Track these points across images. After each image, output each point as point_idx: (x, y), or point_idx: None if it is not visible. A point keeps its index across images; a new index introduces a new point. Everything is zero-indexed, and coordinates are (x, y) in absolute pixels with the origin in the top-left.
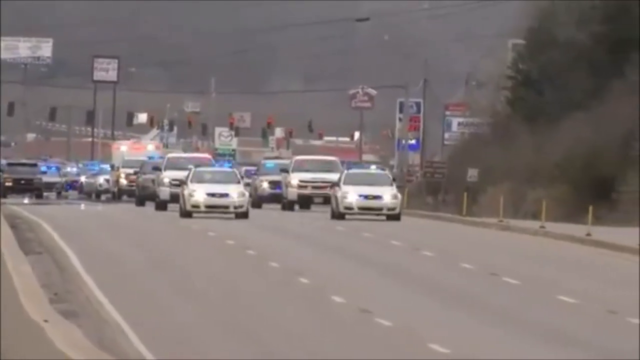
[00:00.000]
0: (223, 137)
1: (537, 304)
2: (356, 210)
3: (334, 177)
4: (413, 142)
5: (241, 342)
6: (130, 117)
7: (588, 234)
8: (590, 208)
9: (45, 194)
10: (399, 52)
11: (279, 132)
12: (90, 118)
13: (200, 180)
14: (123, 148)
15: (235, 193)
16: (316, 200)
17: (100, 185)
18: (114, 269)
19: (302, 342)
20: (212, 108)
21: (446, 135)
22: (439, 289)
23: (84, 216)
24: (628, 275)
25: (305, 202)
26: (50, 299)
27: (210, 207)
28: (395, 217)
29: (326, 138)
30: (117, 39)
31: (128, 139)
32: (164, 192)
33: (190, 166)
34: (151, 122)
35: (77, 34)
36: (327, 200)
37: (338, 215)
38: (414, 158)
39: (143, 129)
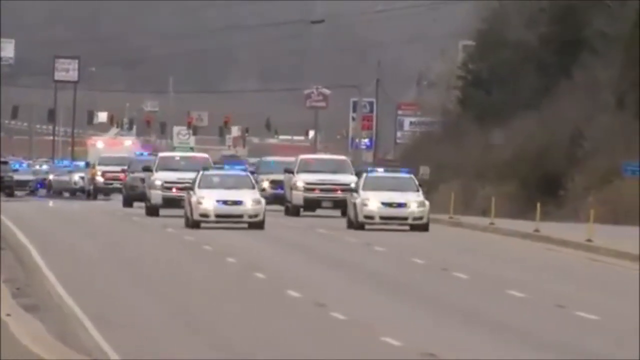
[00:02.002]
0: (181, 136)
1: (486, 298)
2: (377, 219)
3: (344, 178)
4: (366, 140)
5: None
6: (91, 115)
7: (536, 230)
8: (539, 205)
9: (18, 192)
10: (353, 53)
11: (235, 130)
12: (51, 117)
13: (209, 185)
14: (99, 144)
15: (250, 200)
16: (325, 204)
17: (76, 182)
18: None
19: None
20: (170, 107)
21: (398, 134)
22: (393, 284)
23: (60, 219)
24: (575, 269)
25: (312, 206)
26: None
27: (221, 217)
28: (423, 228)
29: (281, 136)
30: (78, 39)
31: (90, 138)
32: (156, 196)
33: (190, 172)
34: (111, 121)
35: (38, 35)
36: (336, 204)
37: (357, 225)
38: (367, 157)
39: (103, 128)
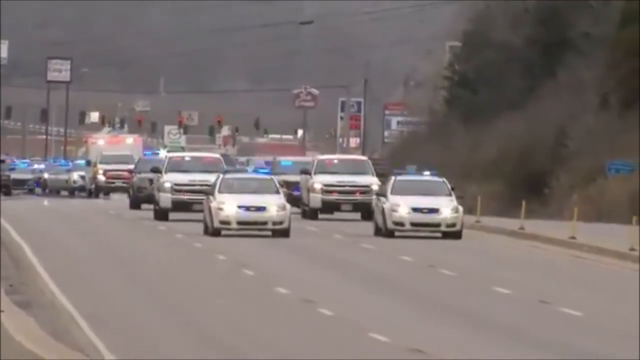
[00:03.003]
0: (172, 135)
1: (472, 294)
2: (408, 226)
3: (364, 180)
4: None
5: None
6: (83, 115)
7: (521, 228)
8: (524, 203)
9: (16, 191)
10: (341, 53)
11: (225, 130)
12: (44, 116)
13: (230, 189)
14: (100, 142)
15: (275, 206)
16: (344, 207)
17: (75, 181)
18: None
19: None
20: (161, 107)
21: (386, 133)
22: (383, 280)
23: (58, 219)
24: (559, 266)
25: (330, 209)
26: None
27: (244, 224)
28: (456, 235)
29: (271, 136)
30: (70, 41)
31: (90, 136)
32: (165, 199)
33: (201, 174)
34: (103, 121)
35: (31, 36)
36: (356, 207)
37: (386, 233)
38: (355, 154)
39: (95, 127)
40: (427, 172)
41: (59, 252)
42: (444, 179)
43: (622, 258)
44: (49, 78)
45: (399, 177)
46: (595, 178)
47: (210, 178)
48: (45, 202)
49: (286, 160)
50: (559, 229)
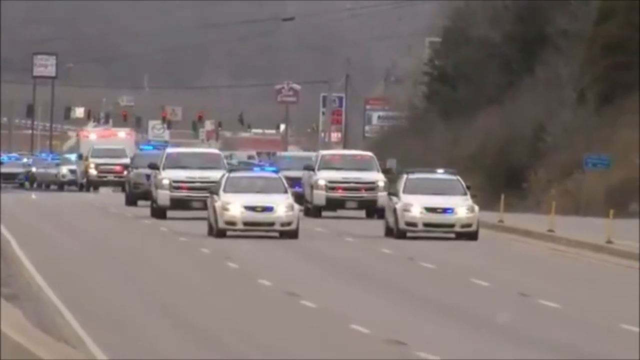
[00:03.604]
0: (156, 130)
1: (452, 287)
2: (421, 227)
3: (369, 176)
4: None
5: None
6: (68, 110)
7: (500, 221)
8: (502, 196)
9: (5, 185)
10: (322, 49)
11: (208, 124)
12: (30, 111)
13: (236, 189)
14: (92, 136)
15: (283, 206)
16: (349, 205)
17: (64, 176)
18: None
19: None
20: (145, 102)
21: (367, 128)
22: (359, 272)
23: (48, 214)
24: (538, 259)
25: (334, 207)
26: None
27: (250, 225)
28: (472, 236)
29: (253, 130)
30: (56, 37)
31: (82, 129)
32: (163, 197)
33: (200, 170)
34: (88, 116)
35: (17, 33)
36: (361, 205)
37: (398, 234)
38: (337, 149)
39: (80, 122)
40: (440, 170)
41: (47, 248)
42: (459, 177)
43: (599, 251)
44: (34, 73)
45: (412, 175)
46: (573, 172)
47: (210, 174)
48: (33, 195)
49: (287, 155)
50: (538, 222)
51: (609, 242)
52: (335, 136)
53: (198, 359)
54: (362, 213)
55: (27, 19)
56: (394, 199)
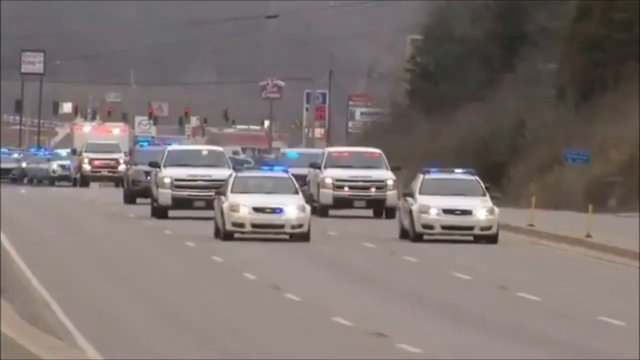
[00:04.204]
0: (142, 126)
1: (434, 281)
2: (438, 229)
3: (378, 174)
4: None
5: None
6: (56, 106)
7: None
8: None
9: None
10: (306, 46)
11: (194, 120)
12: (18, 107)
13: (244, 189)
14: (86, 130)
15: (293, 207)
16: (357, 204)
17: (54, 171)
18: None
19: None
20: (132, 98)
21: (350, 124)
22: (345, 268)
23: (36, 209)
24: (517, 253)
25: (342, 206)
26: None
27: (259, 227)
28: (491, 239)
29: (238, 126)
30: (44, 34)
31: (75, 124)
32: (165, 196)
33: (203, 169)
34: (75, 111)
35: (5, 30)
36: (369, 204)
37: (414, 237)
38: (320, 144)
39: (68, 118)
40: (458, 170)
41: (37, 243)
42: (477, 177)
43: (578, 245)
44: (23, 70)
45: (428, 175)
46: (552, 167)
47: (212, 172)
48: (23, 190)
49: (292, 152)
50: (518, 216)
51: (588, 236)
52: (318, 132)
53: None
54: (369, 212)
55: (14, 16)
56: (410, 200)
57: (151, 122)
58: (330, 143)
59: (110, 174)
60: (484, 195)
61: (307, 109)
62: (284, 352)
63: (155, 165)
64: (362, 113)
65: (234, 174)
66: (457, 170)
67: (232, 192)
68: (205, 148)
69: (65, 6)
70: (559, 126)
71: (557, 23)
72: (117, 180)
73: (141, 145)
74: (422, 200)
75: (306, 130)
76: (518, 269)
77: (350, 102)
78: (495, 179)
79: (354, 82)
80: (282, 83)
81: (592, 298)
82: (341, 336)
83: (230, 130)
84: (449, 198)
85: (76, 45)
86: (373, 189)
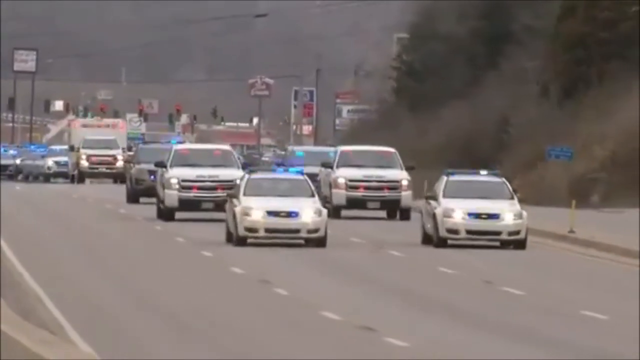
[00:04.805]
0: (133, 123)
1: (420, 275)
2: (463, 234)
3: (392, 174)
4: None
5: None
6: (48, 104)
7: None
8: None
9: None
10: (294, 45)
11: (184, 118)
12: (11, 105)
13: (257, 192)
14: (83, 126)
15: (309, 211)
16: (371, 205)
17: (49, 167)
18: None
19: None
20: (122, 96)
21: (337, 121)
22: (333, 263)
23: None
24: (502, 248)
25: (355, 207)
26: None
27: (273, 232)
28: (520, 244)
29: (227, 123)
30: (36, 33)
31: (73, 120)
32: (171, 197)
33: (211, 169)
34: (67, 109)
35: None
36: (384, 205)
37: (437, 241)
38: (308, 141)
39: (59, 115)
40: (484, 171)
41: (33, 240)
42: (504, 179)
43: (562, 240)
44: (15, 68)
45: (452, 177)
46: (536, 164)
47: (220, 173)
48: (17, 187)
49: (301, 150)
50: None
51: (571, 231)
52: (306, 129)
53: None
54: (381, 213)
55: (6, 15)
56: (433, 203)
57: (141, 119)
58: (317, 140)
59: (108, 171)
60: (512, 198)
61: (295, 107)
62: (276, 346)
63: (161, 165)
64: (349, 110)
65: (246, 176)
66: (482, 172)
67: (244, 195)
68: (213, 147)
69: (58, 5)
70: (542, 123)
71: (541, 21)
72: (115, 177)
73: (144, 143)
74: (446, 203)
75: (294, 127)
76: (502, 264)
77: (338, 100)
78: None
79: (341, 80)
80: (270, 81)
81: (575, 293)
82: (330, 330)
83: (219, 128)
84: (475, 201)
85: (68, 43)
86: (387, 190)
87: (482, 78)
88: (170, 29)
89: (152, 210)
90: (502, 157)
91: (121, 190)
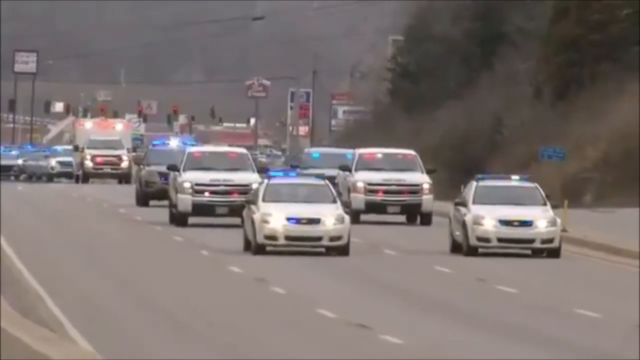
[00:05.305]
0: (132, 123)
1: (415, 274)
2: (495, 242)
3: (413, 178)
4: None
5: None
6: (48, 105)
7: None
8: (462, 187)
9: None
10: (291, 47)
11: (182, 118)
12: (12, 106)
13: (276, 197)
14: (88, 126)
15: (331, 218)
16: (391, 209)
17: (52, 168)
18: None
19: None
20: (122, 97)
21: (333, 122)
22: (327, 262)
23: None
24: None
25: (374, 211)
26: None
27: (293, 239)
28: (554, 253)
29: (225, 124)
30: (36, 34)
31: (78, 120)
32: (184, 202)
33: (226, 172)
34: (67, 110)
35: (0, 30)
36: (404, 209)
37: (467, 250)
38: (304, 142)
39: (59, 116)
40: (515, 176)
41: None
42: (537, 185)
43: None
44: (16, 70)
45: (482, 183)
46: (530, 164)
47: (235, 177)
48: (20, 187)
49: (316, 152)
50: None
51: (564, 230)
52: (303, 130)
53: None
54: (398, 218)
55: (8, 16)
56: (462, 209)
57: (141, 119)
58: (313, 140)
59: (113, 171)
60: (545, 204)
61: (291, 108)
62: (273, 344)
63: (174, 168)
64: (344, 111)
65: (265, 182)
66: (513, 177)
67: (263, 201)
68: (228, 150)
69: (58, 7)
70: (535, 124)
71: (534, 24)
72: (120, 177)
73: (154, 145)
74: (476, 210)
75: (290, 128)
76: (495, 262)
77: (334, 101)
78: (474, 175)
79: (337, 82)
80: (267, 82)
81: (568, 291)
82: (325, 327)
83: (217, 128)
84: (506, 208)
85: (68, 45)
86: (407, 194)
87: (476, 80)
88: (169, 31)
89: (157, 213)
90: (496, 157)
91: (123, 190)
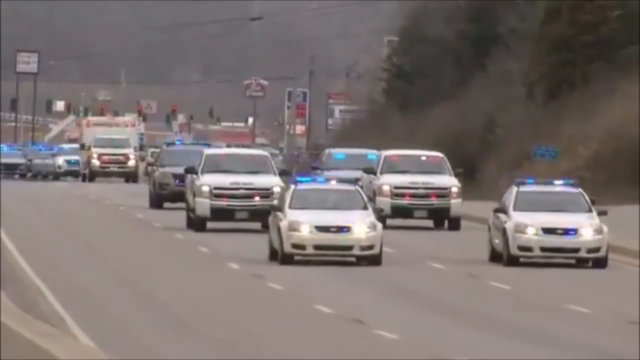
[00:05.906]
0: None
1: (409, 270)
2: (537, 251)
3: (440, 181)
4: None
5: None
6: (49, 104)
7: None
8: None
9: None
10: (288, 47)
11: (181, 118)
12: (13, 105)
13: (304, 204)
14: (95, 125)
15: (363, 225)
16: (417, 214)
17: (59, 166)
18: None
19: None
20: (122, 96)
21: (329, 121)
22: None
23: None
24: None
25: (400, 216)
26: None
27: (322, 248)
28: (600, 263)
29: (223, 123)
30: (38, 35)
31: (84, 118)
32: (203, 206)
33: (246, 175)
34: (68, 109)
35: (1, 31)
36: (432, 214)
37: (508, 260)
38: (301, 141)
39: (61, 116)
40: (558, 181)
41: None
42: (581, 190)
43: None
44: (18, 70)
45: (523, 188)
46: (522, 163)
47: (256, 180)
48: (24, 185)
49: (340, 152)
50: (489, 209)
51: None
52: (299, 129)
53: None
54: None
55: (9, 17)
56: (502, 217)
57: (140, 119)
58: (310, 140)
59: (120, 170)
60: (590, 211)
61: (288, 107)
62: (273, 339)
63: (191, 171)
64: (341, 111)
65: (292, 187)
66: (556, 182)
67: (290, 207)
68: (248, 152)
69: (58, 8)
70: (528, 124)
71: (526, 24)
72: (127, 176)
73: (167, 145)
74: (517, 217)
75: (287, 127)
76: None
77: (330, 100)
78: (468, 174)
79: (334, 81)
80: (265, 82)
81: (560, 287)
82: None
83: (215, 127)
84: (549, 215)
85: (69, 45)
86: (435, 197)
87: (470, 80)
88: (168, 31)
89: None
90: (489, 156)
91: (128, 188)
